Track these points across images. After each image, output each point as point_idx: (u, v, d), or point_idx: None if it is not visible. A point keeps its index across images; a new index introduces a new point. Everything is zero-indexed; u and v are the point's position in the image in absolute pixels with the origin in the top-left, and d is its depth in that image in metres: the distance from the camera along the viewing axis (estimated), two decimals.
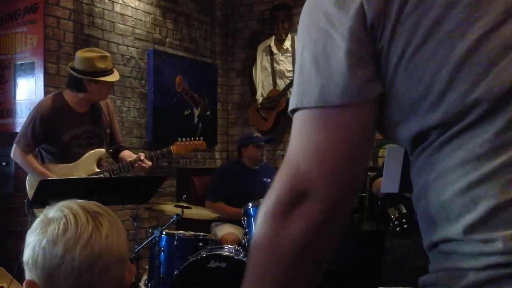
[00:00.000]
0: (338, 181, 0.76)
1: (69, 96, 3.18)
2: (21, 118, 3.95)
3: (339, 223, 0.79)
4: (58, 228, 0.99)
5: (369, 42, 0.72)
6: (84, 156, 3.21)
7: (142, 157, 3.18)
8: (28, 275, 1.01)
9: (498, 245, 0.65)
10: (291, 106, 0.79)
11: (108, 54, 3.18)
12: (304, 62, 0.76)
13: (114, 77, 3.18)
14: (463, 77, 0.68)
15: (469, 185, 0.69)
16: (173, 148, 3.35)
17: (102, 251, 0.99)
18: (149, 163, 3.20)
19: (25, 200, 3.19)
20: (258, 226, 0.80)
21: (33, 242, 1.00)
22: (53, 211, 1.03)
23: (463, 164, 0.69)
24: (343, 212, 0.79)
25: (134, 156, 3.26)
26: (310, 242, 0.77)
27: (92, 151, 3.24)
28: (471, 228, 0.68)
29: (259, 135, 4.35)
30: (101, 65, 3.09)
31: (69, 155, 3.18)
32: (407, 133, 0.76)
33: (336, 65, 0.72)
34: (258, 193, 3.93)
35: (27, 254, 1.01)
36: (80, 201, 1.06)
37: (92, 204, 1.06)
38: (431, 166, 0.74)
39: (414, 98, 0.71)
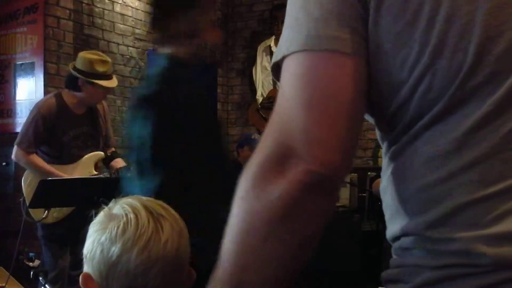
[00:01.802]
0: (328, 135, 0.67)
1: (68, 97, 3.18)
2: (21, 118, 3.95)
3: (325, 198, 0.69)
4: (118, 227, 0.96)
5: (360, 8, 0.68)
6: (83, 158, 3.20)
7: None
8: (85, 268, 1.00)
9: (457, 246, 0.64)
10: (277, 58, 0.72)
11: (109, 60, 3.17)
12: (292, 10, 0.72)
13: (110, 83, 3.16)
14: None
15: (434, 182, 0.67)
16: None
17: (159, 257, 0.96)
18: None
19: (21, 200, 3.19)
20: (238, 191, 0.71)
21: (93, 236, 0.98)
22: (117, 207, 1.00)
23: (431, 159, 0.68)
24: (331, 182, 0.68)
25: (125, 164, 3.27)
26: (289, 212, 0.67)
27: (91, 154, 3.23)
28: (432, 226, 0.67)
29: (257, 137, 4.36)
30: (99, 68, 3.08)
31: (67, 157, 3.17)
32: (382, 119, 0.74)
33: (328, 8, 0.69)
34: None
35: (86, 247, 0.99)
36: (145, 198, 1.03)
37: (156, 204, 1.02)
38: (399, 160, 0.72)
39: (393, 82, 0.69)
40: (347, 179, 4.16)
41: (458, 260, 0.64)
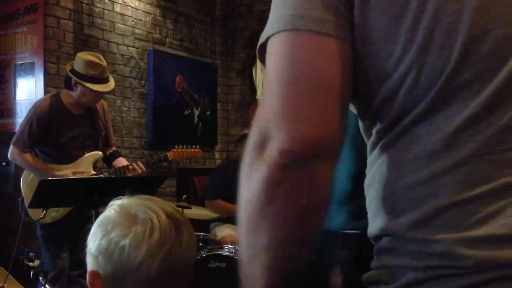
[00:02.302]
0: (302, 112, 0.65)
1: (66, 97, 3.17)
2: (21, 118, 3.94)
3: (309, 173, 0.66)
4: (144, 232, 0.94)
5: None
6: (81, 158, 3.20)
7: (136, 166, 3.17)
8: (93, 265, 0.97)
9: (439, 248, 0.64)
10: (262, 39, 0.71)
11: (103, 63, 3.11)
12: None
13: (102, 87, 3.11)
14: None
15: (418, 182, 0.67)
16: (169, 154, 3.38)
17: (179, 262, 0.96)
18: (143, 168, 3.20)
19: (19, 199, 3.19)
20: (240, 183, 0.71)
21: (111, 235, 0.95)
22: (137, 209, 0.98)
23: (417, 158, 0.67)
24: (308, 157, 0.65)
25: (127, 163, 3.27)
26: (273, 195, 0.66)
27: (89, 154, 3.23)
28: (414, 226, 0.67)
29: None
30: (91, 71, 3.05)
31: (65, 157, 3.16)
32: (366, 115, 0.73)
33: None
34: None
35: (98, 245, 0.96)
36: (159, 201, 1.02)
37: (172, 209, 1.01)
38: (385, 156, 0.72)
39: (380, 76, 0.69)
40: None
41: (441, 262, 0.64)
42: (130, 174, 3.15)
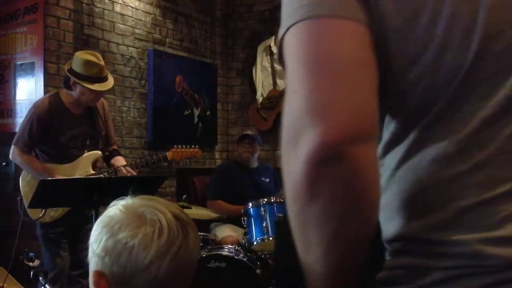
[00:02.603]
0: (333, 99, 0.61)
1: (65, 96, 3.17)
2: (21, 118, 3.94)
3: (346, 165, 0.61)
4: (153, 232, 0.94)
5: None
6: (81, 158, 3.20)
7: (122, 169, 3.17)
8: (98, 265, 0.97)
9: (465, 248, 0.65)
10: (279, 37, 0.69)
11: (101, 63, 3.10)
12: None
13: (100, 86, 3.09)
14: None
15: (439, 183, 0.67)
16: (168, 154, 3.38)
17: (186, 263, 0.97)
18: (133, 172, 3.18)
19: (18, 198, 3.19)
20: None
21: (119, 235, 0.94)
22: (142, 208, 0.97)
23: (435, 161, 0.68)
24: (344, 147, 0.61)
25: (125, 162, 3.27)
26: (313, 193, 0.62)
27: (88, 153, 3.23)
28: (437, 227, 0.67)
29: (249, 132, 4.38)
30: (89, 70, 3.04)
31: (65, 156, 3.17)
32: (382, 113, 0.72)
33: None
34: (255, 192, 3.97)
35: (104, 246, 0.95)
36: (163, 201, 1.02)
37: (178, 210, 1.01)
38: (403, 158, 0.71)
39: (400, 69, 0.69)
40: None
41: (468, 262, 0.65)
42: (131, 175, 3.15)
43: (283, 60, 0.68)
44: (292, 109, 0.64)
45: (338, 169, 0.61)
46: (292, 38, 0.66)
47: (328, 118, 0.61)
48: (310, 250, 0.67)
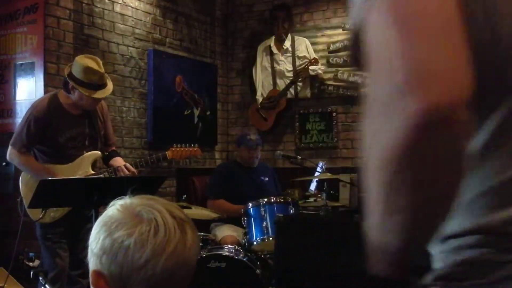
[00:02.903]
0: (433, 58, 0.58)
1: (64, 97, 3.17)
2: (21, 118, 3.95)
3: (452, 136, 0.58)
4: (149, 231, 0.94)
5: None
6: (80, 158, 3.20)
7: (124, 168, 3.17)
8: (96, 265, 0.97)
9: None
10: (355, 23, 0.67)
11: (102, 70, 3.09)
12: None
13: (98, 93, 3.07)
14: None
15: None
16: (168, 153, 3.38)
17: (184, 262, 0.96)
18: (133, 170, 3.19)
19: (18, 200, 3.19)
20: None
21: (115, 234, 0.95)
22: (140, 208, 0.97)
23: (508, 155, 0.67)
24: (452, 111, 0.57)
25: (124, 162, 3.27)
26: (413, 158, 0.58)
27: (88, 153, 3.23)
28: (509, 222, 0.66)
29: (253, 137, 4.35)
30: (88, 77, 3.03)
31: (64, 157, 3.16)
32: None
33: None
34: (255, 192, 3.97)
35: (101, 245, 0.96)
36: (162, 200, 1.02)
37: (176, 208, 1.01)
38: (488, 151, 0.69)
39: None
40: (347, 179, 4.16)
41: None
42: (131, 175, 3.15)
43: (357, 62, 0.66)
44: (390, 73, 0.60)
45: (441, 133, 0.58)
46: (376, 13, 0.63)
47: (435, 79, 0.57)
48: (392, 215, 0.63)
